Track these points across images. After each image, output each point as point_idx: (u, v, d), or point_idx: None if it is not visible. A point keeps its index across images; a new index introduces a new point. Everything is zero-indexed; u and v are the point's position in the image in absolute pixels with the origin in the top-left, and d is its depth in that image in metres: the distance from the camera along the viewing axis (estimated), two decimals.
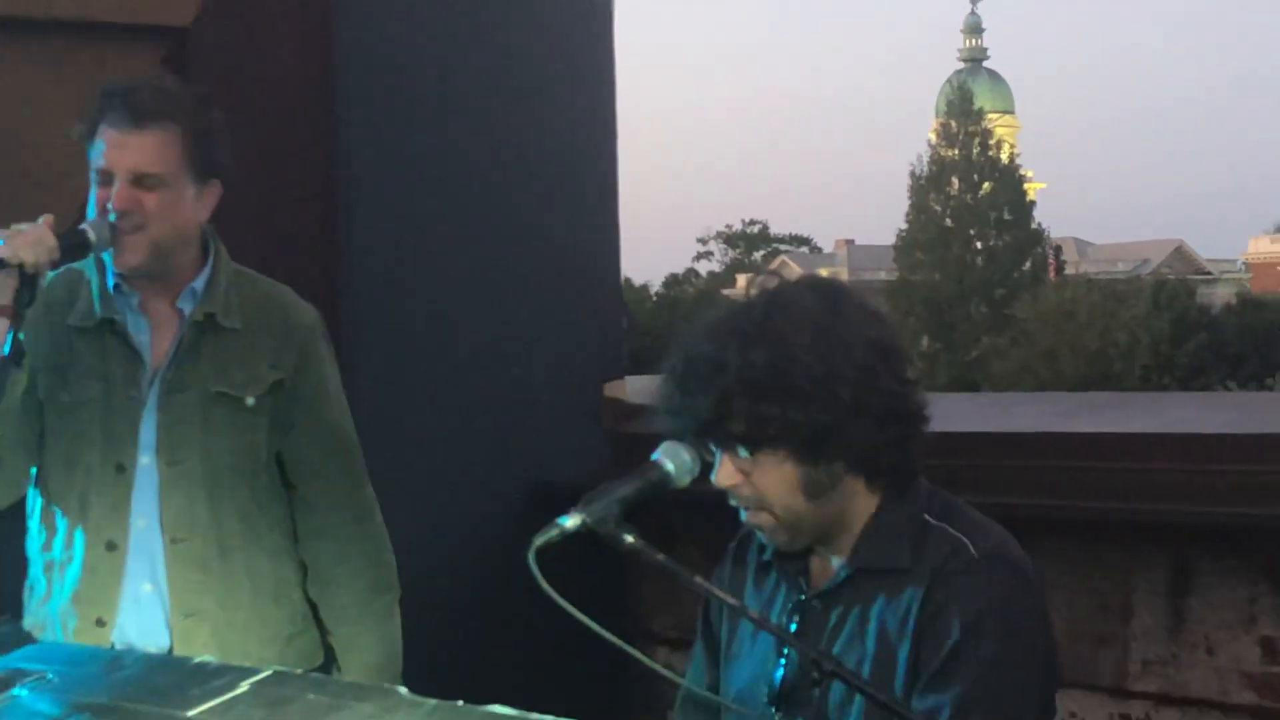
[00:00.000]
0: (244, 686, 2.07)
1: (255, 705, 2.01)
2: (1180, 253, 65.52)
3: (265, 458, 2.94)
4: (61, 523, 2.88)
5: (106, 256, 2.82)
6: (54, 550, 2.89)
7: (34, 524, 2.93)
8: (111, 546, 2.84)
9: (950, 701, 2.11)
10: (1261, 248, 65.41)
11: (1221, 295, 54.97)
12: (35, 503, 2.93)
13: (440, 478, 4.28)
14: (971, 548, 2.19)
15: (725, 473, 2.21)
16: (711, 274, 65.91)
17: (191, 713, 2.00)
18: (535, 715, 1.77)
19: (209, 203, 2.87)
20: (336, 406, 3.03)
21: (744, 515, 2.27)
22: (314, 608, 3.02)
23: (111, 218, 2.76)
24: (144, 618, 2.86)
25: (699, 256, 69.71)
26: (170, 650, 2.82)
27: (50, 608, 2.89)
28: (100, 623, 2.84)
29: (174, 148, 2.79)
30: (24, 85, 4.00)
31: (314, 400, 2.98)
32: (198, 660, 2.56)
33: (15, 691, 2.20)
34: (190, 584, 2.85)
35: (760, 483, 2.21)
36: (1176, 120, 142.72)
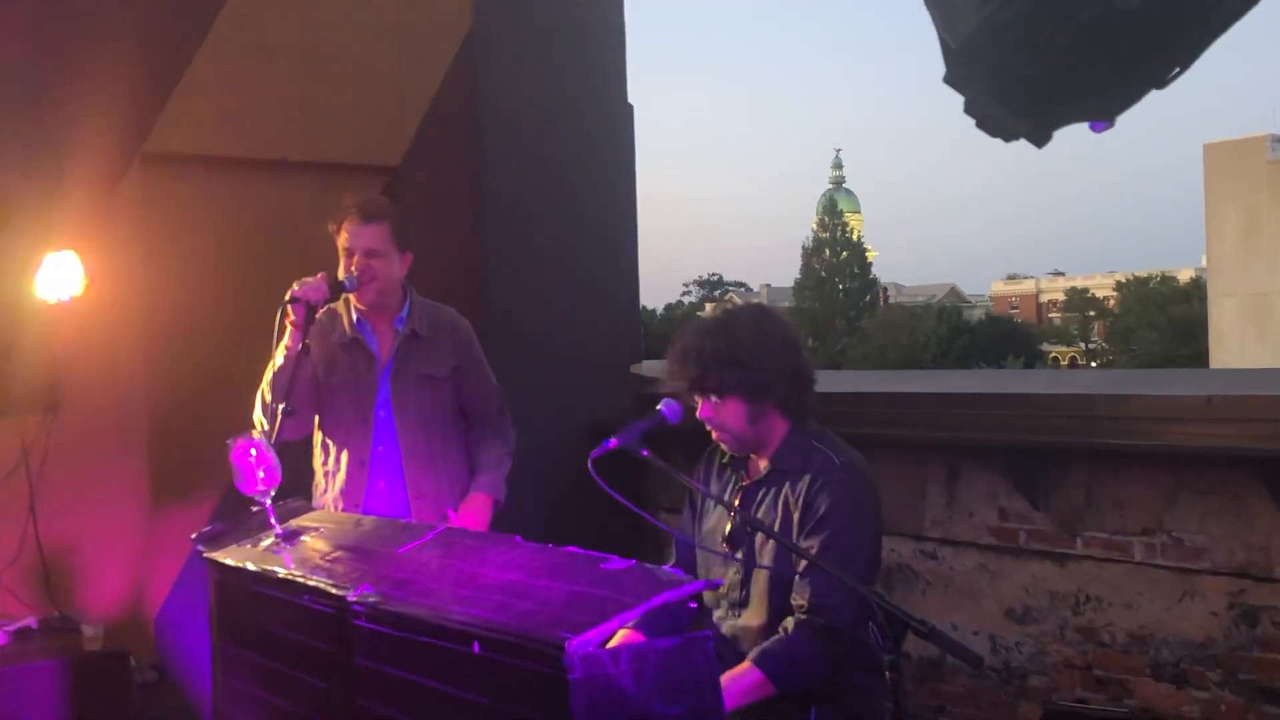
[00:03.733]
0: (429, 536, 2.06)
1: (435, 546, 2.00)
2: (953, 291, 64.78)
3: (449, 407, 2.92)
4: (332, 449, 2.88)
5: (351, 298, 2.82)
6: (328, 465, 2.89)
7: (317, 450, 2.92)
8: (361, 463, 2.83)
9: (819, 542, 2.12)
10: (999, 288, 64.82)
11: (976, 315, 54.47)
12: (317, 438, 2.92)
13: (537, 416, 4.22)
14: (835, 459, 2.19)
15: (703, 411, 2.22)
16: (691, 304, 65.61)
17: (400, 550, 2.00)
18: (593, 552, 1.76)
19: (406, 265, 2.86)
20: (488, 372, 3.01)
21: (714, 436, 2.26)
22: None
23: (354, 275, 2.76)
24: (379, 503, 2.85)
25: (683, 294, 69.23)
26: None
27: (327, 498, 2.88)
28: (356, 505, 2.83)
29: (386, 234, 2.78)
30: (294, 204, 3.96)
31: (477, 373, 2.97)
32: (404, 522, 2.57)
33: (302, 537, 2.20)
34: (418, 480, 2.84)
35: (722, 416, 2.21)
36: (952, 211, 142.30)
